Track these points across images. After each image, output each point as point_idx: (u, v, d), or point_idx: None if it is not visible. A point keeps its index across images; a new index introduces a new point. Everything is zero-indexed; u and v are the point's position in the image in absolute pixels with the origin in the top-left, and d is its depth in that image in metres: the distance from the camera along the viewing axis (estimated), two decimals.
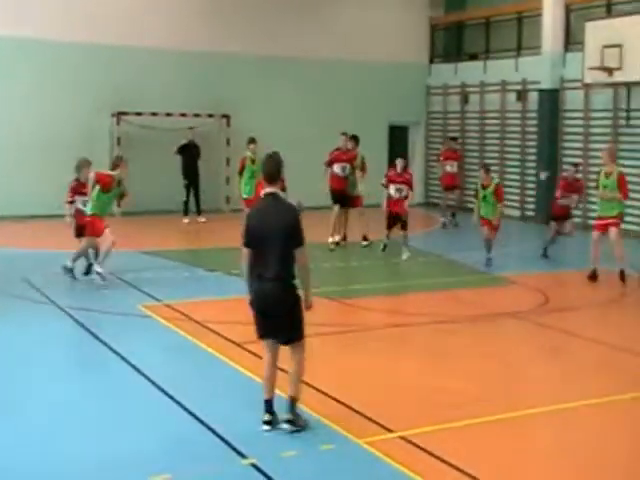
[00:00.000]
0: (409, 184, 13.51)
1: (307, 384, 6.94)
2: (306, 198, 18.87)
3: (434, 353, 8.34)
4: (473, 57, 21.23)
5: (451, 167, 17.91)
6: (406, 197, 13.42)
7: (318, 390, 6.83)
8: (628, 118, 16.83)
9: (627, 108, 16.80)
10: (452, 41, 22.24)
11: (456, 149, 18.65)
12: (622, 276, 11.28)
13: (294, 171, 19.20)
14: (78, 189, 11.24)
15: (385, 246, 13.49)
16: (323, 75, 20.53)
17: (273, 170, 5.97)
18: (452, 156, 18.06)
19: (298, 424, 5.87)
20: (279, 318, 5.88)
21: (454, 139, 19.39)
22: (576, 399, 6.78)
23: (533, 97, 18.89)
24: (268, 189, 5.96)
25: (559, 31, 18.31)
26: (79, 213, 11.19)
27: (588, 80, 16.77)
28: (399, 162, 13.64)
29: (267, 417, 5.91)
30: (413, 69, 21.76)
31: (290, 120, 19.97)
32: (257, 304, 5.90)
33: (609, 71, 16.07)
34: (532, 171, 18.88)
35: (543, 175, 18.43)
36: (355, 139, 14.94)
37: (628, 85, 16.32)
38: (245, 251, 5.90)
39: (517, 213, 19.15)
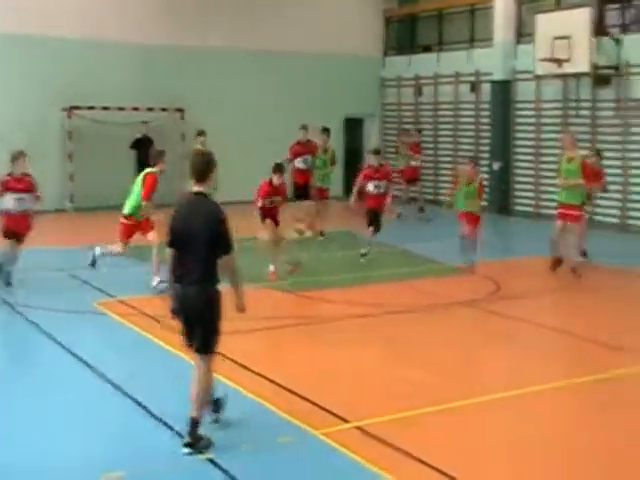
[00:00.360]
0: (388, 178, 12.83)
1: (264, 377, 6.97)
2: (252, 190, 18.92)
3: (391, 343, 8.40)
4: (426, 49, 21.38)
5: (415, 160, 18.09)
6: (385, 193, 12.68)
7: (275, 382, 6.84)
8: (577, 109, 17.14)
9: (576, 99, 17.11)
10: (405, 33, 22.35)
11: (419, 142, 18.80)
12: (558, 263, 11.39)
13: (248, 163, 19.32)
14: (9, 185, 10.22)
15: (365, 254, 12.42)
16: (277, 68, 20.45)
17: (202, 168, 5.58)
18: (417, 149, 18.20)
19: (199, 446, 5.37)
20: (200, 323, 5.53)
21: (419, 131, 19.54)
22: (530, 385, 6.89)
23: (486, 88, 19.11)
24: (196, 188, 5.57)
25: (510, 23, 18.55)
26: (6, 213, 10.23)
27: (539, 71, 17.02)
28: (374, 159, 12.88)
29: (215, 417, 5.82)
30: (367, 62, 21.82)
31: (244, 113, 19.87)
32: (180, 309, 5.56)
33: (559, 62, 16.33)
34: (486, 162, 19.10)
35: (496, 165, 18.67)
36: (326, 131, 15.04)
37: (577, 76, 16.61)
38: (169, 251, 5.56)
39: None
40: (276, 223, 11.35)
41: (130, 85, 18.59)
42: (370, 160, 13.14)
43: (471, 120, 19.78)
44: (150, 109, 18.49)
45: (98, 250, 10.53)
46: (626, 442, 5.85)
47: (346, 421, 5.99)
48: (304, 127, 14.86)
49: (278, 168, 11.42)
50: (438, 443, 5.70)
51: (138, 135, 17.65)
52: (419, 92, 21.09)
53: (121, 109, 18.11)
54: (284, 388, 6.72)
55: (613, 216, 16.31)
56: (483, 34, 19.40)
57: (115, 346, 8.08)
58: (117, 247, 10.42)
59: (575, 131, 16.43)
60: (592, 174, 11.81)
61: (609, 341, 8.26)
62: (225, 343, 7.85)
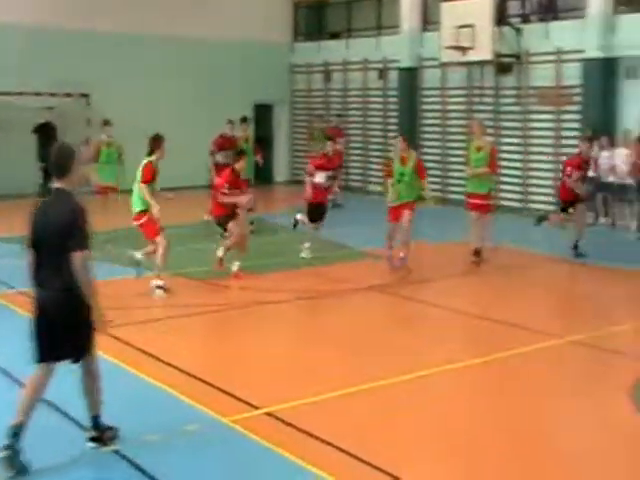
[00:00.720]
0: (338, 168, 12.21)
1: (172, 365, 6.90)
2: (169, 178, 18.61)
3: (302, 329, 8.47)
4: (335, 36, 21.48)
5: (338, 144, 18.12)
6: (331, 185, 12.14)
7: (183, 371, 6.78)
8: (481, 95, 17.61)
9: (480, 86, 17.57)
10: (314, 20, 22.38)
11: (339, 126, 18.82)
12: (478, 254, 11.40)
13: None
14: None
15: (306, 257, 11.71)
16: (185, 53, 20.12)
17: (61, 163, 5.14)
18: (339, 134, 18.27)
19: (105, 438, 5.29)
20: (66, 333, 5.08)
21: (339, 116, 19.58)
22: (437, 365, 7.06)
23: (393, 75, 19.38)
24: (56, 184, 5.15)
25: (416, 11, 18.86)
26: None
27: (444, 59, 17.36)
28: (330, 146, 12.20)
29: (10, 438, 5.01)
30: (276, 48, 21.74)
31: (151, 100, 19.47)
32: (38, 316, 5.12)
33: (463, 50, 16.70)
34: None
35: None
36: (246, 121, 14.81)
37: (480, 64, 17.04)
38: (28, 252, 5.17)
39: (379, 188, 19.58)
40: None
41: (32, 69, 17.87)
42: (326, 147, 12.25)
43: (379, 107, 20.03)
44: (53, 94, 17.87)
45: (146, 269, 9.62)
46: (530, 418, 6.09)
47: (256, 407, 6.00)
48: (230, 122, 14.64)
49: (242, 155, 10.86)
50: (349, 426, 5.77)
51: (41, 120, 17.06)
52: (328, 78, 21.20)
53: (21, 94, 17.43)
54: (192, 376, 6.67)
55: (514, 200, 16.86)
56: (390, 21, 19.63)
57: (16, 339, 7.79)
58: (160, 246, 9.52)
59: (479, 118, 16.93)
60: (494, 161, 11.79)
61: (513, 321, 8.54)
62: (132, 332, 7.81)
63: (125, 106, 18.15)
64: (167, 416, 5.86)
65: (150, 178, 9.51)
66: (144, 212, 9.55)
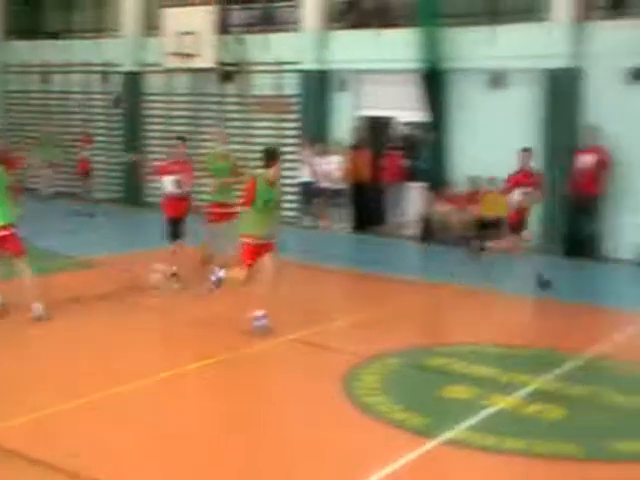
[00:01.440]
0: (189, 173, 10.36)
1: None
2: None
3: (11, 343, 7.95)
4: (54, 36, 20.49)
5: (87, 151, 17.64)
6: (188, 194, 10.34)
7: None
8: (206, 102, 17.87)
9: (204, 93, 17.83)
10: (30, 18, 21.17)
11: (89, 133, 18.00)
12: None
13: None
14: None
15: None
16: None
17: None
18: (88, 139, 17.73)
19: None
20: None
21: (84, 121, 18.81)
22: (154, 374, 7.04)
23: (117, 79, 18.96)
24: None
25: (138, 16, 18.66)
26: None
27: (168, 65, 17.37)
28: (182, 147, 10.51)
29: None
30: None
31: None
32: None
33: (186, 57, 16.82)
34: (119, 153, 18.96)
35: (131, 157, 18.65)
36: None
37: (205, 71, 17.29)
38: None
39: (105, 195, 19.00)
40: None
41: None
42: (178, 149, 10.57)
43: (103, 111, 19.47)
44: None
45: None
46: (246, 414, 6.32)
47: None
48: None
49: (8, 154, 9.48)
50: (55, 441, 5.55)
51: None
52: (47, 80, 20.18)
53: None
54: None
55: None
56: (112, 25, 19.21)
57: None
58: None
59: (204, 124, 17.17)
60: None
61: (240, 326, 8.77)
62: None
63: None
64: None
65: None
66: (9, 224, 8.40)
